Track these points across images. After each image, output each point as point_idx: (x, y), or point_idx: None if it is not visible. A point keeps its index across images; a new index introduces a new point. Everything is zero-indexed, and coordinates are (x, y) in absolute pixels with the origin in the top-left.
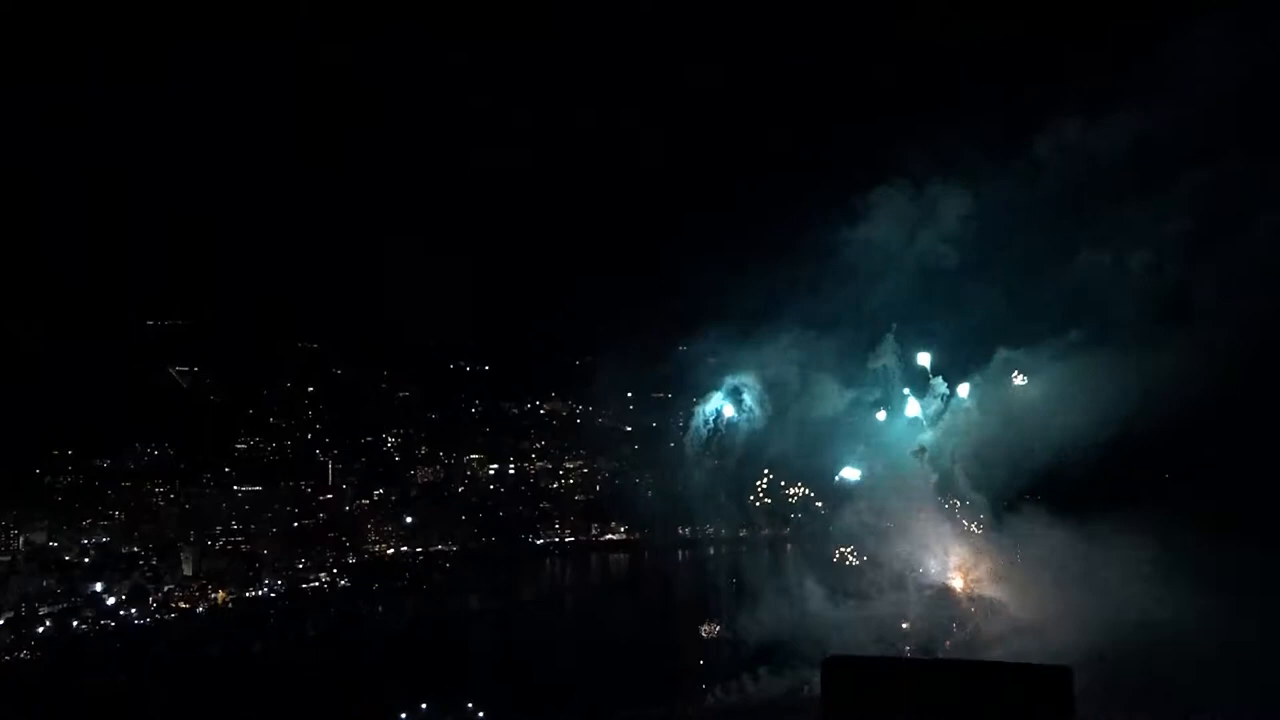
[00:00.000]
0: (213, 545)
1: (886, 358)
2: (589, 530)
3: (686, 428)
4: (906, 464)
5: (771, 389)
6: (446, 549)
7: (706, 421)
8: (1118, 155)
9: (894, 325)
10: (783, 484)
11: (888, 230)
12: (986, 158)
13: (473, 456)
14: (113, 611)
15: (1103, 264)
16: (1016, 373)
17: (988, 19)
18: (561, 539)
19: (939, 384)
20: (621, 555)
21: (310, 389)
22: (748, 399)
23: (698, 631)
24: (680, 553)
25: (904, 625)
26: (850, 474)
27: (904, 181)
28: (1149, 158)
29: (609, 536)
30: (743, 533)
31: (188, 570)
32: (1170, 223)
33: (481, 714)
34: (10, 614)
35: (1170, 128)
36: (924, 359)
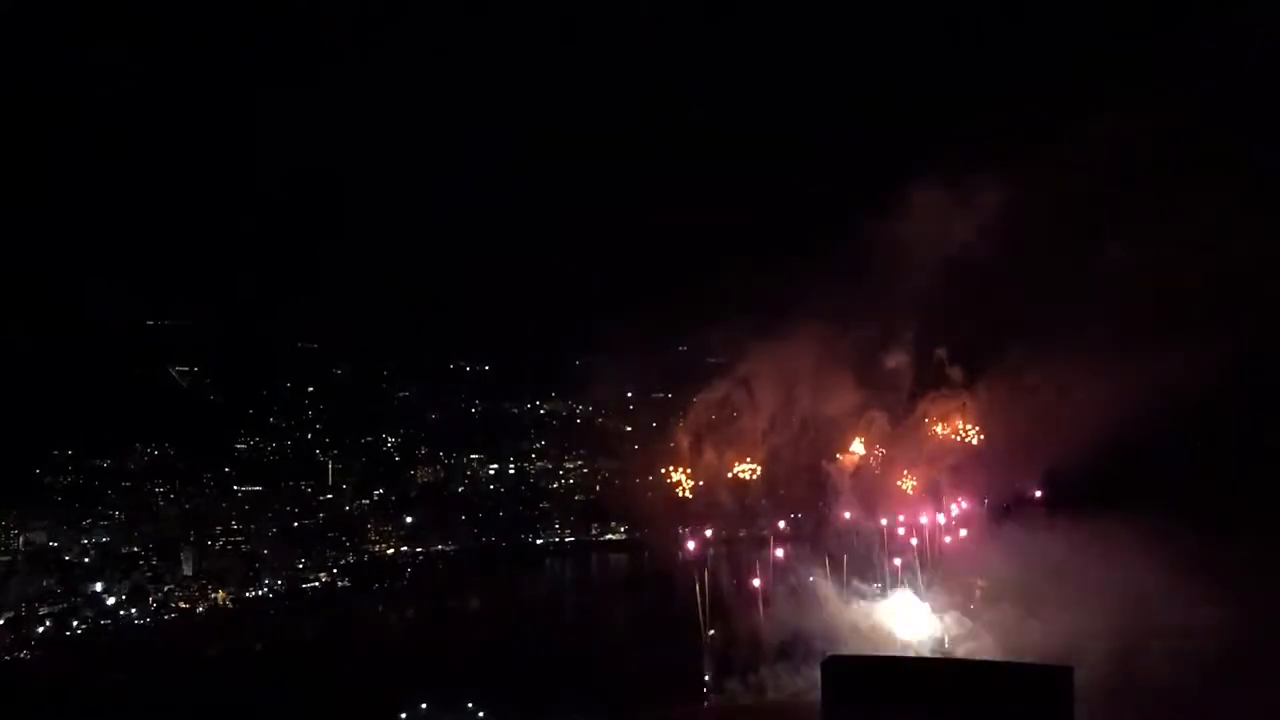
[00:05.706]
0: (213, 545)
1: (898, 356)
2: (589, 530)
3: (687, 427)
4: (909, 462)
5: (773, 386)
6: (446, 549)
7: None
8: (1130, 152)
9: (912, 323)
10: (782, 482)
11: (895, 226)
12: (997, 155)
13: (473, 456)
14: (113, 611)
15: (1113, 262)
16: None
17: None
18: (561, 539)
19: (950, 379)
20: (621, 555)
21: (310, 389)
22: (749, 396)
23: (698, 631)
24: (680, 553)
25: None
26: (850, 472)
27: (913, 176)
28: (1159, 155)
29: (609, 536)
30: (743, 532)
31: (188, 570)
32: (1179, 221)
33: (481, 714)
34: (10, 614)
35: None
36: (940, 354)
